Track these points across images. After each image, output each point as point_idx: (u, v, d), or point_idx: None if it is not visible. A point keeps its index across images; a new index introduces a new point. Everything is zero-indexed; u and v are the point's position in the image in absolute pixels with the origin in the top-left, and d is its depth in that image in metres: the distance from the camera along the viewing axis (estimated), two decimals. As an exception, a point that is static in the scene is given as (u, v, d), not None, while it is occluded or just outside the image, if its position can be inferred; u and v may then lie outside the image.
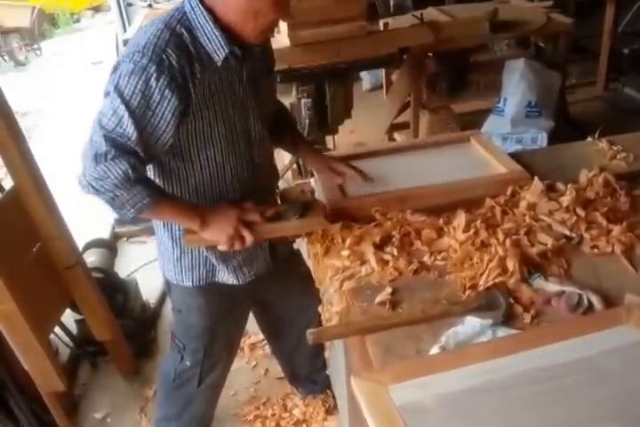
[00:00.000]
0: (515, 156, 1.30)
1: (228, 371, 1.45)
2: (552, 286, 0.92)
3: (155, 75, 0.94)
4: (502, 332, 0.85)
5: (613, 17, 3.28)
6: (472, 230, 1.04)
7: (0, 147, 1.39)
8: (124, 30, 3.78)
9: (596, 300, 0.88)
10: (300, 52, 2.16)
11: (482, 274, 0.95)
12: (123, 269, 2.39)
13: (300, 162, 2.51)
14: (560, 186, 1.16)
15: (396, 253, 1.04)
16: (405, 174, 1.27)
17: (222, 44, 1.00)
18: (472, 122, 2.65)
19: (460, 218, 1.07)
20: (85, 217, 2.68)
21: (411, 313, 0.90)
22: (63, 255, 1.59)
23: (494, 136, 2.57)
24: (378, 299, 0.95)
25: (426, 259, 1.03)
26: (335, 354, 1.23)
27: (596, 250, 1.01)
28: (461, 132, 1.70)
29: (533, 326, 0.86)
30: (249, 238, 1.06)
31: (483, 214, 1.10)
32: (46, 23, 7.59)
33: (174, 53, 0.96)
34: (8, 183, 1.50)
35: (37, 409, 1.60)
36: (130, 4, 3.99)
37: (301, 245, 1.40)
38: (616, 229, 1.03)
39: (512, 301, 0.90)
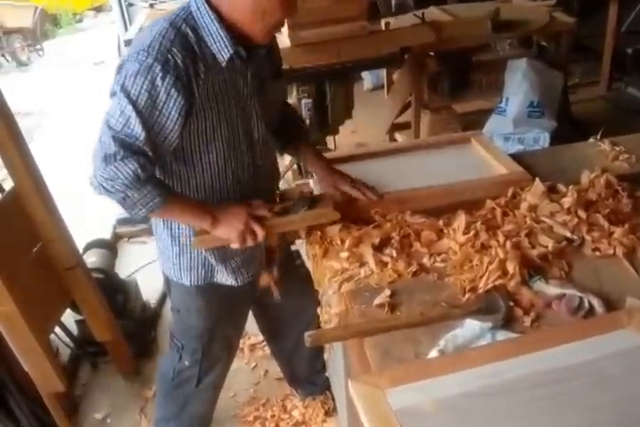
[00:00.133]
0: (516, 157, 1.30)
1: (227, 371, 1.45)
2: (553, 289, 0.91)
3: (160, 74, 0.94)
4: (502, 335, 0.84)
5: (617, 16, 3.26)
6: (472, 232, 1.03)
7: (0, 148, 1.39)
8: (126, 30, 3.79)
9: (597, 303, 0.87)
10: (300, 53, 2.16)
11: (482, 276, 0.95)
12: (123, 269, 2.39)
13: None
14: (561, 187, 1.15)
15: (395, 254, 1.03)
16: (405, 175, 1.26)
17: (227, 44, 1.00)
18: (474, 122, 2.63)
19: (460, 220, 1.06)
20: (87, 217, 2.69)
21: (409, 316, 0.90)
22: (63, 256, 1.59)
23: (496, 136, 2.56)
24: (376, 301, 0.94)
25: (425, 261, 1.03)
26: (334, 356, 1.23)
27: (597, 252, 1.00)
28: (462, 133, 1.69)
29: (533, 329, 0.85)
30: (260, 233, 1.06)
31: (483, 216, 1.10)
32: (49, 23, 7.60)
33: (179, 53, 0.96)
34: (9, 185, 1.50)
35: (38, 410, 1.60)
36: (131, 4, 4.00)
37: (301, 246, 1.39)
38: (618, 232, 1.02)
39: (512, 304, 0.90)
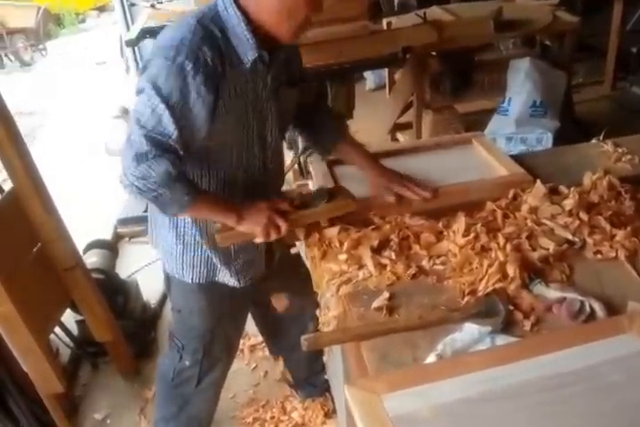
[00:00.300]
0: (517, 158, 1.28)
1: (227, 372, 1.44)
2: (553, 293, 0.90)
3: (192, 72, 0.94)
4: (501, 340, 0.83)
5: (621, 15, 3.23)
6: (472, 234, 1.02)
7: (-1, 149, 1.39)
8: (128, 30, 3.79)
9: (598, 307, 0.86)
10: (301, 53, 2.14)
11: (481, 279, 0.94)
12: (124, 269, 2.39)
13: (307, 164, 2.49)
14: (563, 189, 1.14)
15: (394, 257, 1.02)
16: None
17: (252, 46, 1.00)
18: (476, 122, 2.62)
19: (460, 221, 1.05)
20: (88, 217, 2.70)
21: (408, 319, 0.89)
22: (62, 257, 1.59)
23: (499, 136, 2.54)
24: (375, 304, 0.93)
25: (424, 263, 1.01)
26: (333, 358, 1.22)
27: (599, 255, 0.99)
28: (463, 134, 1.68)
29: (533, 333, 0.84)
30: (284, 226, 1.06)
31: (483, 218, 1.08)
32: (51, 23, 7.62)
33: (208, 52, 0.95)
34: (9, 186, 1.50)
35: (37, 410, 1.60)
36: (133, 4, 4.00)
37: (301, 248, 1.39)
38: (620, 234, 1.00)
39: (512, 307, 0.89)
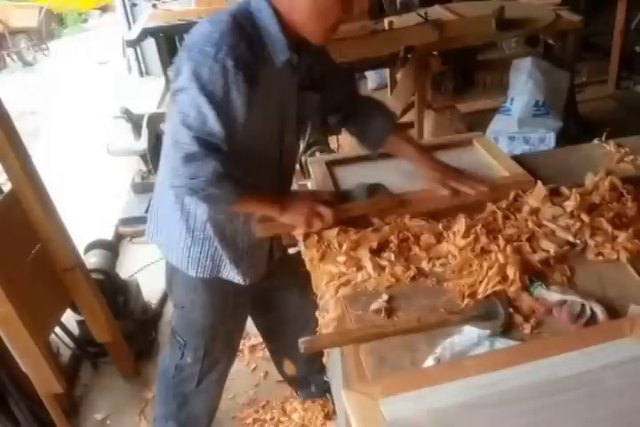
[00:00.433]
0: (518, 158, 1.27)
1: (227, 372, 1.44)
2: (554, 295, 0.89)
3: (233, 70, 0.93)
4: (501, 343, 0.82)
5: (625, 14, 3.21)
6: (472, 236, 1.01)
7: (-2, 150, 1.39)
8: (129, 30, 3.79)
9: (599, 310, 0.85)
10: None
11: (481, 282, 0.93)
12: (125, 269, 2.39)
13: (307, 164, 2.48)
14: (564, 190, 1.13)
15: (393, 258, 1.01)
16: (407, 177, 1.24)
17: (285, 47, 1.00)
18: (478, 121, 2.61)
19: (460, 223, 1.04)
20: (89, 216, 2.70)
21: (406, 322, 0.88)
22: (62, 257, 1.59)
23: (501, 136, 2.53)
24: (373, 306, 0.92)
25: (424, 265, 1.01)
26: (333, 359, 1.21)
27: (600, 257, 0.98)
28: (464, 135, 1.67)
29: (533, 336, 0.83)
30: (329, 215, 1.06)
31: (484, 219, 1.07)
32: (54, 23, 7.63)
33: (246, 49, 0.95)
34: (9, 187, 1.50)
35: (37, 410, 1.60)
36: (134, 4, 4.01)
37: (302, 248, 1.38)
38: (622, 236, 0.99)
39: (512, 310, 0.88)
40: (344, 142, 2.66)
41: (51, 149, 3.80)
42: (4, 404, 1.56)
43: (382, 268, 1.00)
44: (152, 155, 2.60)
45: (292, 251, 1.46)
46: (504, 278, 0.92)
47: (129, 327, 1.91)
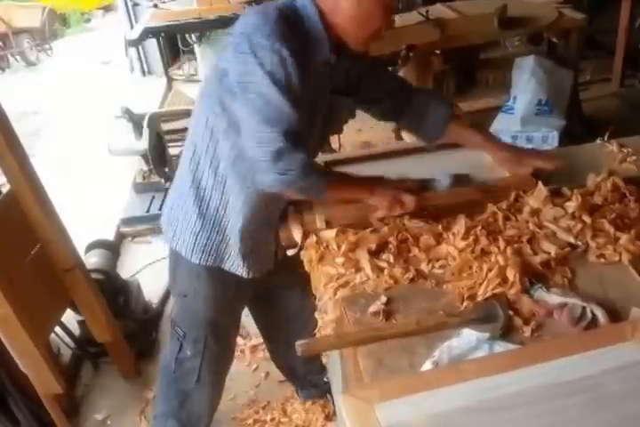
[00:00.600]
0: (519, 158, 1.26)
1: (227, 369, 1.44)
2: (554, 298, 0.88)
3: (290, 60, 0.94)
4: (500, 346, 0.81)
5: (629, 12, 3.18)
6: (472, 237, 1.00)
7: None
8: (131, 29, 3.79)
9: (600, 313, 0.84)
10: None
11: (481, 284, 0.92)
12: (127, 269, 2.39)
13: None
14: (566, 191, 1.11)
15: (392, 260, 1.01)
16: (407, 177, 1.23)
17: (326, 45, 1.00)
18: (480, 120, 2.59)
19: (460, 224, 1.03)
20: (90, 216, 2.70)
21: (405, 325, 0.87)
22: (62, 258, 1.58)
23: (503, 135, 2.51)
24: (371, 309, 0.91)
25: (423, 267, 1.00)
26: (332, 361, 1.21)
27: (602, 259, 0.96)
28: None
29: (533, 340, 0.82)
30: (412, 202, 1.07)
31: (484, 220, 1.06)
32: (57, 23, 7.63)
33: (295, 42, 0.96)
34: (8, 188, 1.50)
35: (37, 410, 1.60)
36: (136, 4, 4.00)
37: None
38: (624, 238, 0.98)
39: (511, 313, 0.87)
40: (345, 142, 2.65)
41: (53, 148, 3.81)
42: (4, 404, 1.57)
43: (381, 269, 0.99)
44: (153, 154, 2.60)
45: (290, 253, 1.45)
46: (504, 280, 0.91)
47: (130, 327, 1.91)
